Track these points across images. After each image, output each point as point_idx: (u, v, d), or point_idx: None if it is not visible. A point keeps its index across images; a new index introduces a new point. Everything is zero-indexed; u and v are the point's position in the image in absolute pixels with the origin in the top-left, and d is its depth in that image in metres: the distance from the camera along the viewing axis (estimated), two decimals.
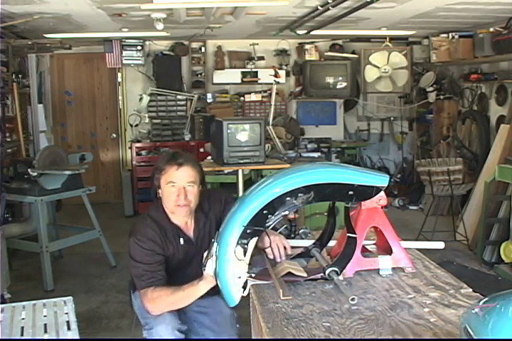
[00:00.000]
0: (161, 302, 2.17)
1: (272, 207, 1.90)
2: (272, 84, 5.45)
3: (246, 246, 1.89)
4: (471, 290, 1.88)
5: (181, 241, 2.41)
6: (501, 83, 5.63)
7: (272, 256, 2.16)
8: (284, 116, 6.81)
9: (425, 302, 1.78)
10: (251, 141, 4.08)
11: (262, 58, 7.10)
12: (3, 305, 2.52)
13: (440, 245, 2.39)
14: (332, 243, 2.20)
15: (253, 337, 2.31)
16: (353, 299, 1.75)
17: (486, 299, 1.24)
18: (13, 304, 2.52)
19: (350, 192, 1.96)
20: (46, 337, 2.15)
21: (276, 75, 5.38)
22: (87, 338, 2.13)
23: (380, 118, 7.55)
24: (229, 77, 6.98)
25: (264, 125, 4.24)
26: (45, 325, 2.27)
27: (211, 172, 4.69)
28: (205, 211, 2.47)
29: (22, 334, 2.19)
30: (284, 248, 2.20)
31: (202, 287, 2.04)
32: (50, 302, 2.48)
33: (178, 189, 2.31)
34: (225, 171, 4.78)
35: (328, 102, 7.24)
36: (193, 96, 6.59)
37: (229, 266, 1.89)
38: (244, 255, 1.90)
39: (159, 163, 2.40)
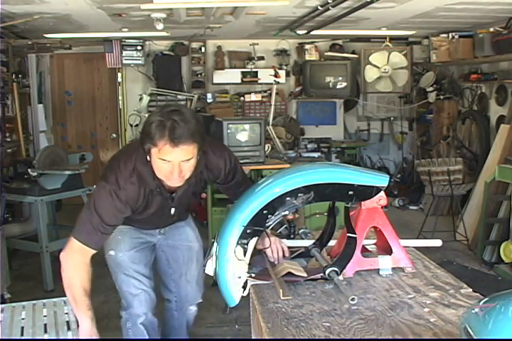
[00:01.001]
0: (68, 272, 2.06)
1: (272, 207, 1.90)
2: (272, 84, 5.46)
3: (246, 246, 1.89)
4: (471, 290, 1.87)
5: (160, 199, 2.23)
6: (501, 83, 5.63)
7: (272, 259, 2.16)
8: (284, 116, 6.82)
9: (425, 302, 1.78)
10: (251, 141, 4.09)
11: (262, 58, 7.10)
12: (3, 305, 2.51)
13: (438, 243, 2.39)
14: (332, 243, 2.20)
15: (253, 337, 2.31)
16: (353, 299, 1.75)
17: (486, 299, 1.24)
18: (13, 304, 2.51)
19: (350, 192, 1.96)
20: (46, 337, 2.15)
21: (276, 75, 5.38)
22: (87, 338, 2.12)
23: (380, 118, 7.55)
24: (229, 77, 6.98)
25: (264, 125, 4.25)
26: (45, 325, 2.25)
27: None
28: (197, 174, 2.20)
29: (22, 334, 2.18)
30: (282, 250, 2.20)
31: (82, 320, 2.05)
32: (50, 302, 2.47)
33: (172, 165, 1.99)
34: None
35: (328, 102, 7.24)
36: (193, 96, 6.59)
37: (229, 266, 1.89)
38: (244, 255, 1.90)
39: (150, 128, 1.95)
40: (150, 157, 2.03)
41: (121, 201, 2.08)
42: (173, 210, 2.37)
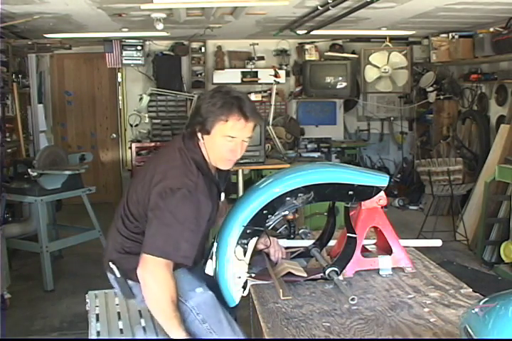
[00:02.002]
0: (153, 289, 1.85)
1: (272, 207, 1.90)
2: (272, 84, 5.46)
3: (246, 246, 1.90)
4: (471, 290, 1.88)
5: (222, 195, 2.10)
6: (501, 83, 5.63)
7: (274, 259, 2.16)
8: (284, 116, 6.81)
9: (425, 302, 1.78)
10: (251, 141, 4.07)
11: (262, 58, 7.10)
12: (96, 292, 2.56)
13: (438, 243, 2.39)
14: (332, 243, 2.20)
15: (253, 337, 2.30)
16: (353, 299, 1.75)
17: (486, 299, 1.24)
18: (106, 291, 2.55)
19: (350, 192, 1.96)
20: (142, 321, 2.22)
21: (276, 75, 5.38)
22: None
23: (380, 118, 7.55)
24: (229, 77, 6.97)
25: (264, 125, 4.24)
26: (140, 311, 2.32)
27: None
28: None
29: (120, 319, 2.29)
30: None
31: (178, 335, 1.84)
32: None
33: (236, 144, 1.96)
34: None
35: (328, 102, 7.24)
36: (193, 96, 6.57)
37: (229, 266, 1.89)
38: (244, 255, 1.90)
39: (219, 106, 1.92)
40: (210, 135, 1.95)
41: (199, 198, 1.90)
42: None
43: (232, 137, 1.94)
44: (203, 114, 1.94)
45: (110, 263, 2.05)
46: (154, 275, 1.85)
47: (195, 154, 2.00)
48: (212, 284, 2.04)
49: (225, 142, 1.95)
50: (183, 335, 1.85)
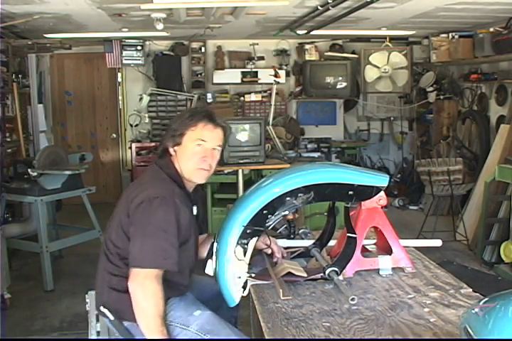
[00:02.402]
0: (142, 302, 1.85)
1: (272, 207, 1.90)
2: (272, 84, 5.45)
3: (246, 246, 1.89)
4: (471, 290, 1.88)
5: (194, 210, 2.11)
6: (501, 83, 5.63)
7: (276, 259, 2.17)
8: (284, 116, 6.81)
9: (425, 302, 1.78)
10: (251, 141, 4.08)
11: (262, 58, 7.10)
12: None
13: (438, 243, 2.39)
14: (332, 243, 2.20)
15: (253, 337, 2.30)
16: (353, 299, 1.75)
17: (486, 299, 1.24)
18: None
19: (350, 192, 1.96)
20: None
21: (276, 75, 5.38)
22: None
23: (380, 118, 7.55)
24: (229, 77, 6.98)
25: (264, 125, 4.24)
26: None
27: None
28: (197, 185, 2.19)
29: None
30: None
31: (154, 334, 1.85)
32: None
33: (205, 150, 2.05)
34: (225, 171, 4.78)
35: (328, 102, 7.24)
36: (193, 96, 6.59)
37: (229, 266, 1.89)
38: (244, 255, 1.90)
39: (188, 116, 2.07)
40: (180, 146, 2.05)
41: (175, 204, 1.93)
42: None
43: (202, 140, 2.04)
44: (174, 127, 2.08)
45: (101, 308, 2.01)
46: (144, 288, 1.86)
47: (169, 170, 2.07)
48: (207, 300, 2.09)
49: (196, 147, 2.04)
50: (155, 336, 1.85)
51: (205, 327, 1.95)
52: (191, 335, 1.95)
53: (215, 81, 7.00)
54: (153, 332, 1.85)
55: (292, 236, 2.50)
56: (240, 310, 2.23)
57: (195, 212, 2.11)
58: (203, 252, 2.21)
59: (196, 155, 2.04)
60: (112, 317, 1.98)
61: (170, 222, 1.90)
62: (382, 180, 1.99)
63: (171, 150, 2.08)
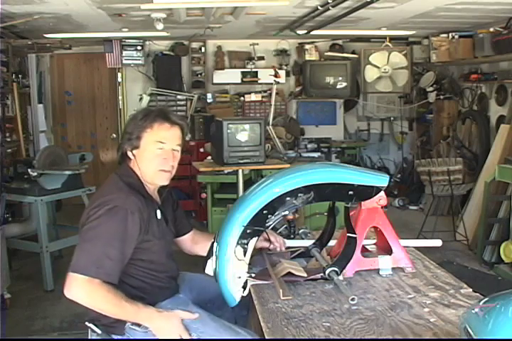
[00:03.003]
0: (91, 298, 1.82)
1: (272, 207, 1.90)
2: (272, 84, 5.45)
3: (246, 246, 1.89)
4: (471, 290, 1.88)
5: (158, 214, 2.05)
6: (501, 83, 5.63)
7: (277, 244, 2.18)
8: (284, 116, 6.81)
9: (425, 302, 1.78)
10: (251, 141, 4.08)
11: (262, 58, 7.10)
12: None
13: (438, 243, 2.39)
14: (332, 243, 2.20)
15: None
16: (353, 299, 1.75)
17: (486, 299, 1.24)
18: None
19: (350, 192, 1.96)
20: None
21: (276, 75, 5.38)
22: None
23: (380, 118, 7.55)
24: (229, 77, 6.98)
25: (264, 125, 4.23)
26: None
27: (211, 172, 4.69)
28: (167, 194, 2.17)
29: None
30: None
31: (144, 315, 1.83)
32: None
33: (166, 151, 2.01)
34: (225, 171, 4.78)
35: (328, 102, 7.24)
36: (193, 96, 6.59)
37: (229, 266, 1.89)
38: (244, 255, 1.90)
39: (141, 117, 2.00)
40: (139, 150, 2.00)
41: (133, 214, 1.88)
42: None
43: (161, 142, 1.99)
44: (129, 131, 2.02)
45: (87, 323, 2.00)
46: (78, 294, 1.83)
47: (130, 177, 2.01)
48: (209, 300, 2.09)
49: (155, 150, 2.00)
50: (153, 311, 1.86)
51: (191, 325, 1.93)
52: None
53: (215, 81, 7.00)
54: (133, 316, 1.84)
55: (292, 236, 2.50)
56: (248, 309, 2.22)
57: (159, 216, 2.05)
58: (199, 249, 2.23)
59: (157, 157, 2.00)
60: (99, 332, 1.98)
61: (113, 233, 1.85)
62: (382, 180, 1.99)
63: (129, 154, 2.03)
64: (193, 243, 2.32)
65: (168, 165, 2.03)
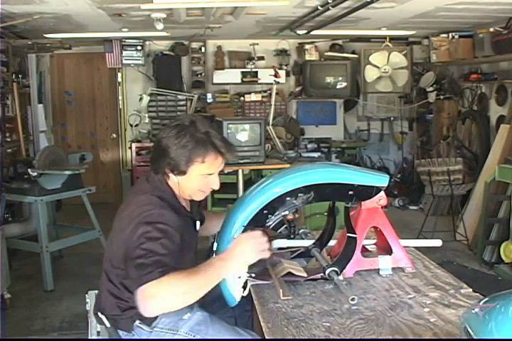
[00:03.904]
0: (166, 295, 1.65)
1: (272, 207, 1.90)
2: (272, 84, 5.45)
3: None
4: (471, 290, 1.88)
5: (197, 226, 2.07)
6: (501, 83, 5.63)
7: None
8: (284, 116, 6.82)
9: (425, 302, 1.78)
10: (251, 141, 4.08)
11: (262, 58, 7.10)
12: (96, 291, 2.25)
13: (438, 243, 2.38)
14: (332, 243, 2.20)
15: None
16: (353, 299, 1.75)
17: (486, 299, 1.24)
18: None
19: (350, 192, 1.96)
20: None
21: (276, 75, 5.38)
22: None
23: (380, 118, 7.55)
24: (229, 77, 6.98)
25: (264, 125, 4.24)
26: None
27: None
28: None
29: None
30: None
31: (227, 265, 1.77)
32: None
33: (212, 178, 1.97)
34: (225, 171, 4.77)
35: (328, 102, 7.24)
36: (193, 96, 6.59)
37: None
38: None
39: (191, 148, 1.86)
40: (185, 174, 1.91)
41: (167, 224, 1.81)
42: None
43: (212, 174, 1.96)
44: (174, 157, 1.88)
45: (99, 314, 1.99)
46: (149, 296, 1.65)
47: (164, 193, 1.94)
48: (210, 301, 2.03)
49: (202, 179, 1.95)
50: (220, 257, 1.81)
51: (195, 327, 1.93)
52: (182, 338, 1.93)
53: (215, 81, 7.00)
54: (214, 275, 1.76)
55: (292, 236, 2.49)
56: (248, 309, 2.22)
57: (198, 227, 2.07)
58: (212, 227, 2.20)
59: (203, 184, 1.97)
60: (108, 325, 1.97)
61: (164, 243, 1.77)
62: (382, 180, 1.99)
63: (170, 175, 1.94)
64: (209, 221, 2.25)
65: (209, 187, 2.01)
